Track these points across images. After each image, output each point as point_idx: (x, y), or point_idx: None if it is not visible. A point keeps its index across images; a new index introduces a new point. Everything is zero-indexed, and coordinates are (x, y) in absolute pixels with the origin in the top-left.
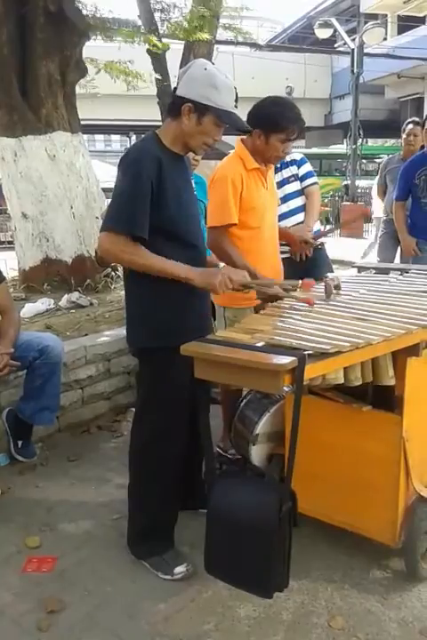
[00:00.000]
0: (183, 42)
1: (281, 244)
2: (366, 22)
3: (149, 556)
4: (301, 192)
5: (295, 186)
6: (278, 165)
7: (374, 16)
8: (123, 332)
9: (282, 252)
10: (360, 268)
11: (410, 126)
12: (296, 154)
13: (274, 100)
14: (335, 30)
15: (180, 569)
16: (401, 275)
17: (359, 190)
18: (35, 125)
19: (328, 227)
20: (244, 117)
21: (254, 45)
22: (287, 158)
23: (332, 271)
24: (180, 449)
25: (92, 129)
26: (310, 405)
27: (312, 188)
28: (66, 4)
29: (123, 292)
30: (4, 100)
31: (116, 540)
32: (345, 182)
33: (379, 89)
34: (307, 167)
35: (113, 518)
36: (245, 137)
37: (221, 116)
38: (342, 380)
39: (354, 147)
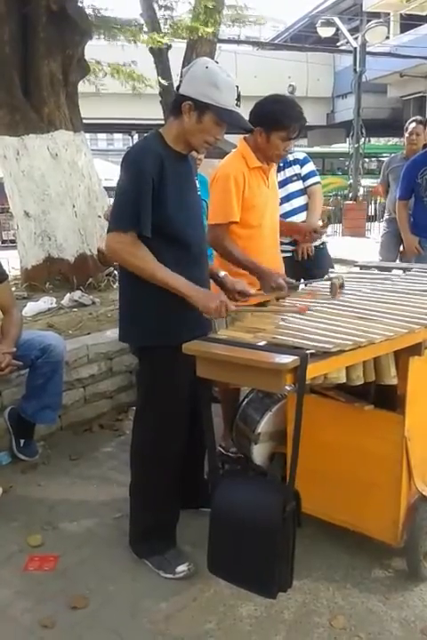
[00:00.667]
0: (186, 41)
1: (282, 243)
2: (368, 21)
3: (150, 555)
4: (303, 191)
5: (298, 185)
6: (281, 164)
7: (376, 14)
8: None
9: (283, 251)
10: (362, 267)
11: (412, 125)
12: (299, 153)
13: (275, 98)
14: (338, 29)
15: (181, 568)
16: (403, 273)
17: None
18: (37, 124)
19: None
20: (246, 116)
21: (257, 44)
22: (290, 157)
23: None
24: (180, 447)
25: (94, 127)
26: (312, 404)
27: (315, 187)
28: (68, 3)
29: None
30: (7, 99)
31: (118, 539)
32: (350, 182)
33: (381, 88)
34: (310, 166)
35: (115, 517)
36: (247, 135)
37: (222, 115)
38: (344, 380)
39: (356, 146)
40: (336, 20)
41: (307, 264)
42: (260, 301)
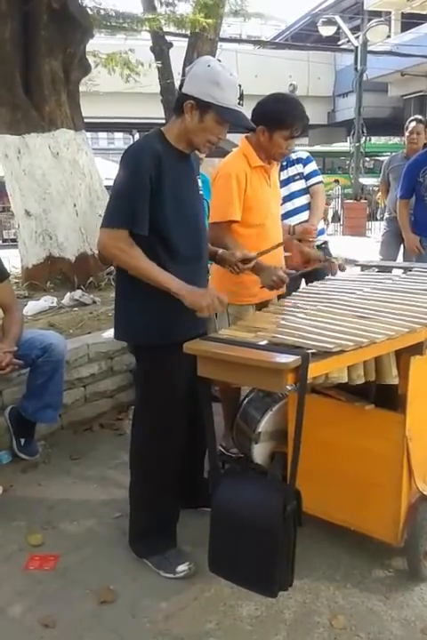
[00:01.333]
0: (187, 39)
1: None
2: (369, 20)
3: (151, 555)
4: (306, 190)
5: (301, 184)
6: (284, 163)
7: (377, 13)
8: None
9: (284, 250)
10: (363, 267)
11: (413, 124)
12: (302, 152)
13: (278, 97)
14: (339, 28)
15: (182, 567)
16: (404, 273)
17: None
18: (38, 123)
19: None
20: (248, 115)
21: (258, 43)
22: (293, 156)
23: None
24: (179, 447)
25: (95, 126)
26: (313, 404)
27: (317, 187)
28: (69, 1)
29: None
30: (8, 98)
31: (118, 539)
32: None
33: (382, 86)
34: (312, 166)
35: (115, 516)
36: (249, 134)
37: (224, 114)
38: (345, 379)
39: (357, 144)
40: (337, 18)
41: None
42: (261, 301)
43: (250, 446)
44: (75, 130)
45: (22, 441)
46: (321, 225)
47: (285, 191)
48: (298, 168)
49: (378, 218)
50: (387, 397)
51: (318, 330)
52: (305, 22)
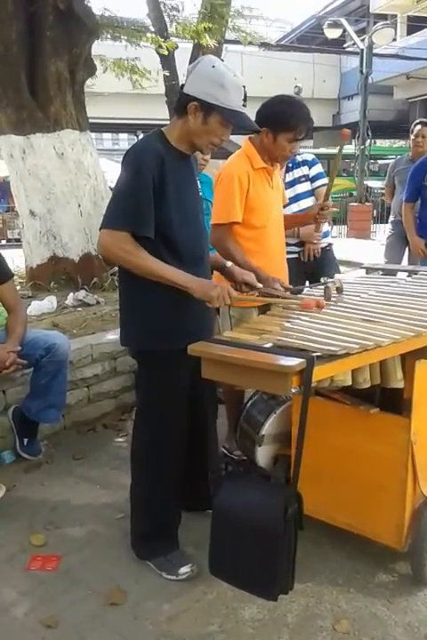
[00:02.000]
0: (192, 41)
1: (288, 244)
2: (375, 22)
3: (153, 557)
4: (311, 193)
5: (306, 186)
6: (290, 165)
7: (383, 16)
8: None
9: (289, 253)
10: (368, 270)
11: (418, 127)
12: (308, 154)
13: (283, 99)
14: (345, 30)
15: (184, 569)
16: (409, 276)
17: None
18: (43, 123)
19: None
20: (252, 117)
21: (263, 45)
22: (299, 158)
23: (339, 272)
24: (180, 449)
25: (99, 127)
26: (317, 407)
27: (322, 189)
28: (75, 2)
29: None
30: (13, 98)
31: (121, 540)
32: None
33: (388, 89)
34: (318, 168)
35: (117, 517)
36: (253, 135)
37: (228, 116)
38: (350, 383)
39: (362, 147)
40: (343, 21)
41: (313, 265)
42: (265, 302)
43: (253, 449)
44: (80, 130)
45: (25, 441)
46: (326, 227)
47: (290, 193)
48: (304, 170)
49: (387, 220)
50: (392, 401)
51: (322, 333)
52: (311, 25)
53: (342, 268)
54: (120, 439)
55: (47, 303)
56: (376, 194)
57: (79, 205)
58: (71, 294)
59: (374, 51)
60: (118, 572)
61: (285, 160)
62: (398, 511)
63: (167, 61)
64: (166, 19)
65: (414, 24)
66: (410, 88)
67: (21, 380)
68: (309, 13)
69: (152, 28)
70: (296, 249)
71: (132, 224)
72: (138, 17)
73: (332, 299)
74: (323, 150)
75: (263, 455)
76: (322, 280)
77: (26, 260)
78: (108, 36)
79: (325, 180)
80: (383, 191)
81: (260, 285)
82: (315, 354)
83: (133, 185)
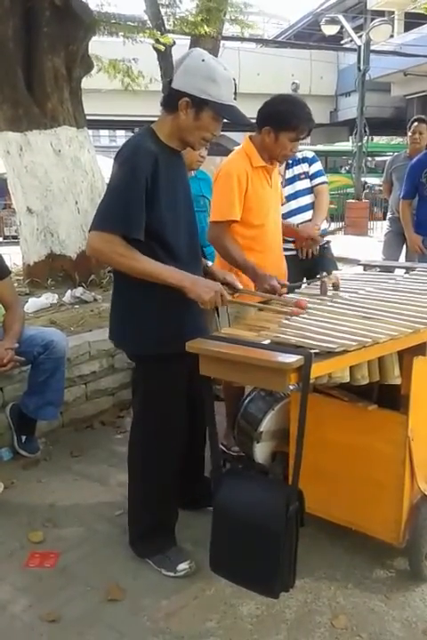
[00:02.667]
0: (189, 37)
1: (286, 241)
2: (372, 19)
3: (151, 554)
4: (310, 190)
5: (306, 183)
6: (290, 161)
7: (380, 13)
8: None
9: (286, 250)
10: (366, 266)
11: (415, 124)
12: (308, 152)
13: (285, 98)
14: (342, 27)
15: (182, 566)
16: (407, 273)
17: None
18: (40, 120)
19: (333, 225)
20: (247, 113)
21: (261, 41)
22: (299, 155)
23: (337, 269)
24: (179, 447)
25: (97, 124)
26: (316, 404)
27: (321, 186)
28: None
29: None
30: (10, 95)
31: (119, 537)
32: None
33: (385, 86)
34: (317, 166)
35: (116, 514)
36: (253, 134)
37: (221, 111)
38: (347, 379)
39: (360, 144)
40: (341, 17)
41: (310, 263)
42: (261, 300)
43: (251, 445)
44: (77, 127)
45: (23, 438)
46: (324, 225)
47: (290, 189)
48: (304, 167)
49: (385, 217)
50: (390, 398)
51: (320, 329)
52: (308, 21)
53: (339, 265)
54: (118, 436)
55: (44, 300)
56: (375, 191)
57: (76, 202)
58: (69, 291)
59: (372, 47)
60: (116, 568)
61: (285, 159)
62: (395, 507)
63: (164, 58)
64: (163, 15)
65: (412, 21)
66: (407, 85)
67: (19, 377)
68: (306, 10)
69: (150, 24)
70: (293, 246)
71: (122, 226)
72: (135, 13)
73: (328, 293)
74: (320, 147)
75: (261, 452)
76: (319, 276)
77: (23, 258)
78: (106, 33)
79: (324, 178)
80: (381, 188)
81: (240, 286)
82: (313, 351)
83: (125, 186)
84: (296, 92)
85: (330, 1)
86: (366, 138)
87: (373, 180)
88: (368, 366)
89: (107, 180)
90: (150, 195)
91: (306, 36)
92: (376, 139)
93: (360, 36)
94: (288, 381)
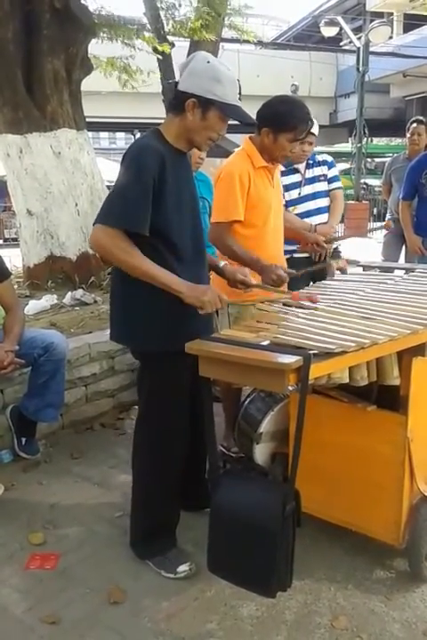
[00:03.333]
0: (189, 39)
1: (287, 242)
2: (371, 20)
3: (151, 556)
4: (327, 193)
5: (324, 186)
6: (311, 162)
7: (380, 14)
8: None
9: (286, 251)
10: (365, 267)
11: (414, 125)
12: (327, 156)
13: (283, 99)
14: (341, 28)
15: (183, 568)
16: (406, 274)
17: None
18: (40, 122)
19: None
20: (248, 112)
21: (260, 43)
22: (319, 158)
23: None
24: (182, 448)
25: (96, 126)
26: (315, 405)
27: (337, 191)
28: (72, 1)
29: None
30: (10, 97)
31: (119, 538)
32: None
33: (384, 87)
34: (335, 171)
35: (116, 516)
36: (253, 135)
37: (227, 110)
38: (347, 380)
39: (359, 145)
40: (340, 19)
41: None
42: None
43: (251, 447)
44: (76, 129)
45: (23, 440)
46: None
47: (309, 189)
48: (323, 169)
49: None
50: (389, 398)
51: (319, 330)
52: (307, 23)
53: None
54: (118, 438)
55: (45, 302)
56: (375, 192)
57: (76, 204)
58: (69, 293)
59: (371, 49)
60: (117, 570)
61: (285, 160)
62: (395, 508)
63: (164, 60)
64: (163, 18)
65: (411, 22)
66: (406, 86)
67: (19, 379)
68: (305, 11)
69: (149, 27)
70: (295, 248)
71: (127, 222)
72: (135, 16)
73: (334, 276)
74: (319, 148)
75: (261, 453)
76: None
77: (23, 260)
78: (105, 36)
79: (340, 184)
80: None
81: (253, 282)
82: (312, 351)
83: (131, 184)
84: (296, 93)
85: (329, 2)
86: (365, 139)
87: (374, 182)
88: (367, 367)
89: (107, 183)
90: (157, 194)
91: (305, 37)
92: (376, 140)
93: (359, 38)
94: (287, 382)
